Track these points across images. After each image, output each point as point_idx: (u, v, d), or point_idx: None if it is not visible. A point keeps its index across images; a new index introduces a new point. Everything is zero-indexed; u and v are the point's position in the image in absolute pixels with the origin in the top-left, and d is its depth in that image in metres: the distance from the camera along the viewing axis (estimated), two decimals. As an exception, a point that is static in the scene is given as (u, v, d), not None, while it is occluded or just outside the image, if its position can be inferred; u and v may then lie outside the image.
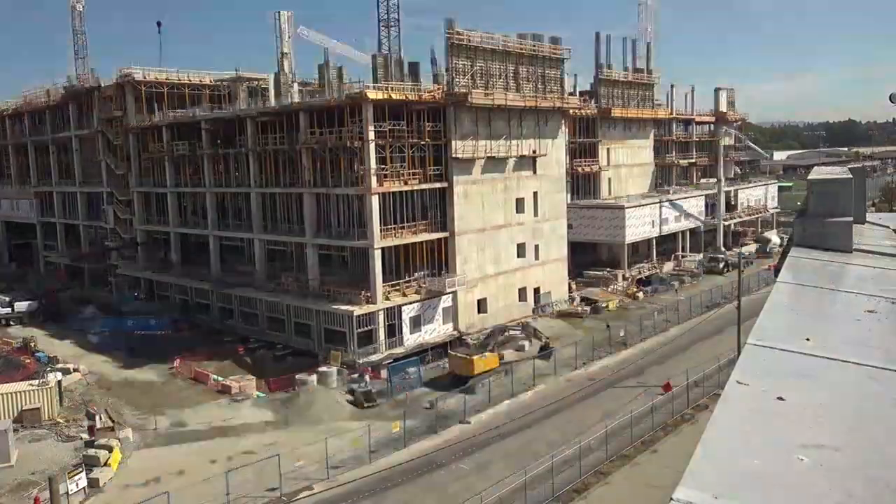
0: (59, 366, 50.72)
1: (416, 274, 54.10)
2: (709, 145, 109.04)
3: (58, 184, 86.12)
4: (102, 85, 73.06)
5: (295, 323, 53.81)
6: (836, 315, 5.28)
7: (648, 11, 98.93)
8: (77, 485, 33.02)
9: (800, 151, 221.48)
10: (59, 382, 45.41)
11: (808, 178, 8.14)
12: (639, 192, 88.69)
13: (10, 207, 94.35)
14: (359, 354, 49.32)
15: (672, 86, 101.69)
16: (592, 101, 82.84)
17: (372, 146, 50.87)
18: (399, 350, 51.22)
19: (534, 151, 62.13)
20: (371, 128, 50.74)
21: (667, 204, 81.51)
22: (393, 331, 51.53)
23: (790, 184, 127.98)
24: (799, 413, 3.34)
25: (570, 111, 70.12)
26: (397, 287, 53.12)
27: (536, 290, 63.15)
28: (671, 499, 2.49)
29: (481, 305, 57.72)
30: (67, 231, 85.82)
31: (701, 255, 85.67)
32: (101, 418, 41.22)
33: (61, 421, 42.39)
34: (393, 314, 51.62)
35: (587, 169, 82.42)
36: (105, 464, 35.82)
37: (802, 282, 5.96)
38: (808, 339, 4.35)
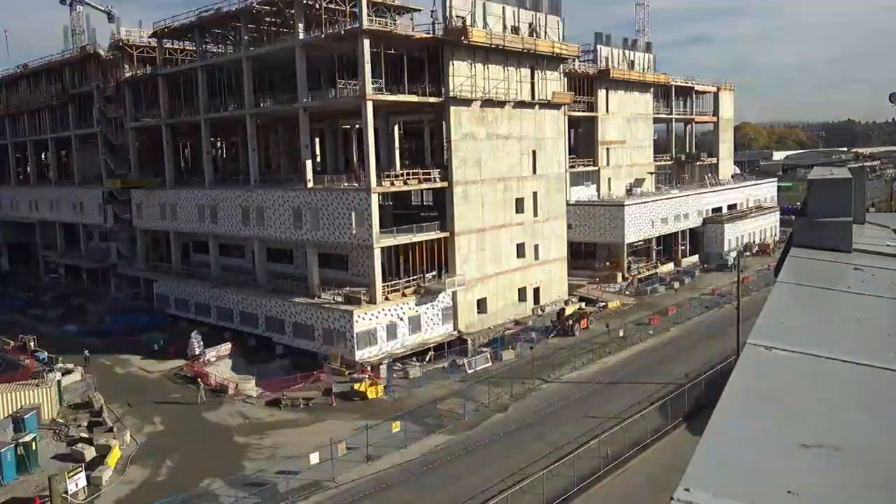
0: (59, 365, 50.76)
1: (416, 274, 54.15)
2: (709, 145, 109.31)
3: (57, 183, 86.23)
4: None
5: (294, 323, 53.80)
6: (836, 315, 5.28)
7: (646, 11, 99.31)
8: (77, 484, 33.02)
9: (799, 151, 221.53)
10: (59, 382, 45.43)
11: (808, 177, 8.14)
12: (638, 191, 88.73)
13: (10, 207, 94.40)
14: (358, 354, 49.32)
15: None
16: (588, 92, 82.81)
17: (372, 144, 50.91)
18: (399, 350, 51.23)
19: (534, 152, 62.36)
20: (371, 127, 50.83)
21: (666, 203, 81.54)
22: (393, 331, 51.53)
23: (790, 184, 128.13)
24: (799, 413, 3.34)
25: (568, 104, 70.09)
26: (397, 287, 53.16)
27: (536, 290, 63.19)
28: (671, 498, 2.49)
29: (481, 305, 57.74)
30: (66, 231, 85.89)
31: (698, 256, 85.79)
32: (103, 413, 41.27)
33: (61, 420, 42.43)
34: (392, 314, 51.62)
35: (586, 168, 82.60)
36: (104, 463, 35.84)
37: (802, 282, 5.96)
38: (807, 339, 4.35)
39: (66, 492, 32.13)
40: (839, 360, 3.98)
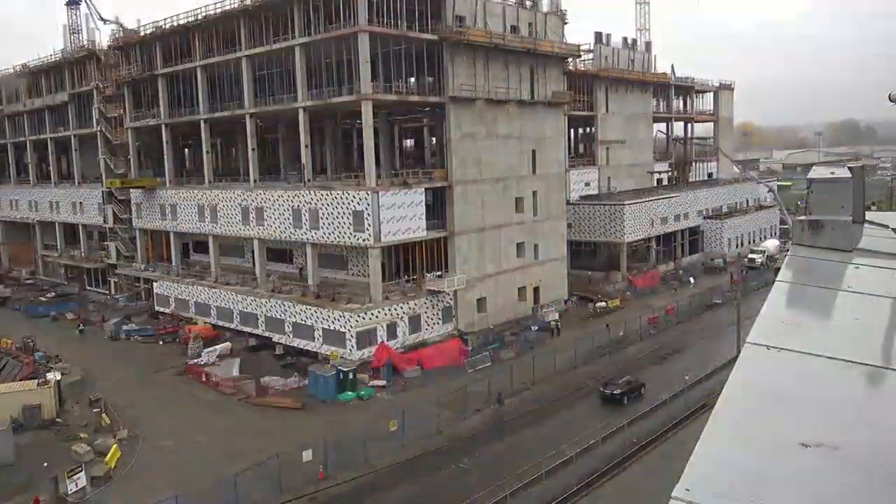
0: (59, 365, 50.74)
1: (416, 273, 54.13)
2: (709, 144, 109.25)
3: (57, 183, 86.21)
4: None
5: (294, 323, 53.77)
6: (836, 314, 5.28)
7: (647, 11, 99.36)
8: (76, 484, 32.99)
9: (799, 150, 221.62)
10: (59, 382, 45.39)
11: (808, 177, 8.13)
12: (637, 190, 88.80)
13: (10, 207, 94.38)
14: (358, 354, 49.29)
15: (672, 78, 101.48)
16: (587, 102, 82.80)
17: (371, 144, 50.89)
18: (399, 350, 51.19)
19: (534, 151, 62.40)
20: (370, 127, 50.81)
21: (666, 202, 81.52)
22: (393, 330, 51.51)
23: (789, 183, 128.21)
24: (798, 412, 3.35)
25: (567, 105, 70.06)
26: (397, 286, 53.09)
27: (536, 290, 63.18)
28: (671, 498, 2.49)
29: (481, 305, 57.73)
30: (66, 231, 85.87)
31: (699, 255, 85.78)
32: (101, 415, 41.26)
33: (60, 420, 42.40)
34: (392, 313, 51.61)
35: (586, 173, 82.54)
36: (105, 462, 35.82)
37: (802, 281, 5.97)
38: (807, 339, 4.35)
39: (65, 492, 32.15)
40: (839, 359, 3.98)
